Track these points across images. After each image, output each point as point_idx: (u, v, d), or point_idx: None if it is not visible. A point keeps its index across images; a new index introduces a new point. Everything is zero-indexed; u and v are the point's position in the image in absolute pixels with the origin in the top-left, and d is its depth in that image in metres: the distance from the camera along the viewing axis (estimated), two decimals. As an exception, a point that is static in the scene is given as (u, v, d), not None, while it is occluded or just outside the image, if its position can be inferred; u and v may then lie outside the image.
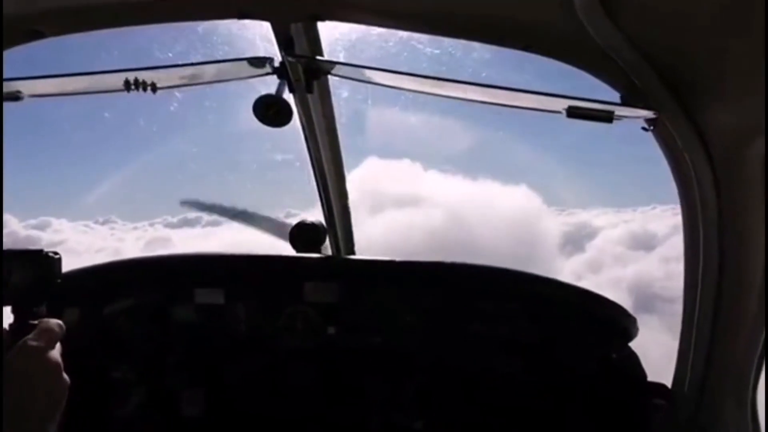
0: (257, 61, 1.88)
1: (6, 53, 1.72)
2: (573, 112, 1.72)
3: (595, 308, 2.42)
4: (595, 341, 2.37)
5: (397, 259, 2.56)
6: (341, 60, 1.97)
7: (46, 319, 1.14)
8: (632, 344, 2.38)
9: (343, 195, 2.85)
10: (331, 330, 2.45)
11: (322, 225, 2.79)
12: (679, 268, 1.97)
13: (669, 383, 2.18)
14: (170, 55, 1.90)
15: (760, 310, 1.74)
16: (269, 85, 1.91)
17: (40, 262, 1.20)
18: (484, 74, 1.89)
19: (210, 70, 1.94)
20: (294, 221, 2.79)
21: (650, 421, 2.22)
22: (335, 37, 1.94)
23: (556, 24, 1.54)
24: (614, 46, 1.53)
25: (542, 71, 1.93)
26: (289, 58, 1.82)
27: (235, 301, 2.47)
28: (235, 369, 2.46)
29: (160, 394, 2.43)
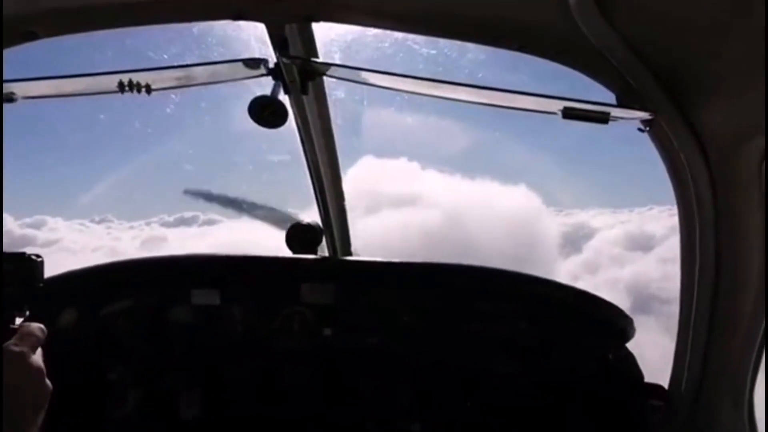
0: (252, 63, 1.87)
1: (0, 54, 1.71)
2: (569, 114, 1.72)
3: (593, 309, 2.43)
4: (593, 342, 2.37)
5: (395, 259, 2.56)
6: (337, 61, 1.97)
7: (27, 323, 1.11)
8: (629, 345, 2.38)
9: (339, 196, 2.85)
10: (328, 331, 2.45)
11: (319, 226, 2.78)
12: (676, 269, 1.97)
13: (666, 384, 2.19)
14: (165, 56, 1.88)
15: (756, 311, 1.74)
16: (264, 86, 1.91)
17: (23, 266, 1.16)
18: (479, 75, 1.88)
19: (205, 72, 1.94)
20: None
21: (647, 421, 2.22)
22: (331, 38, 1.93)
23: (551, 24, 1.54)
24: (609, 47, 1.52)
25: (538, 72, 1.92)
26: (284, 60, 1.82)
27: (231, 302, 2.46)
28: (232, 370, 2.45)
29: (157, 395, 2.42)
